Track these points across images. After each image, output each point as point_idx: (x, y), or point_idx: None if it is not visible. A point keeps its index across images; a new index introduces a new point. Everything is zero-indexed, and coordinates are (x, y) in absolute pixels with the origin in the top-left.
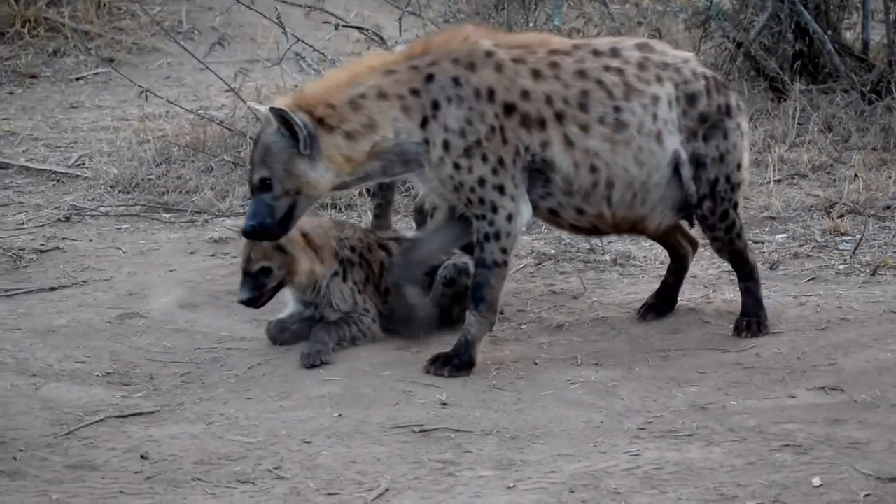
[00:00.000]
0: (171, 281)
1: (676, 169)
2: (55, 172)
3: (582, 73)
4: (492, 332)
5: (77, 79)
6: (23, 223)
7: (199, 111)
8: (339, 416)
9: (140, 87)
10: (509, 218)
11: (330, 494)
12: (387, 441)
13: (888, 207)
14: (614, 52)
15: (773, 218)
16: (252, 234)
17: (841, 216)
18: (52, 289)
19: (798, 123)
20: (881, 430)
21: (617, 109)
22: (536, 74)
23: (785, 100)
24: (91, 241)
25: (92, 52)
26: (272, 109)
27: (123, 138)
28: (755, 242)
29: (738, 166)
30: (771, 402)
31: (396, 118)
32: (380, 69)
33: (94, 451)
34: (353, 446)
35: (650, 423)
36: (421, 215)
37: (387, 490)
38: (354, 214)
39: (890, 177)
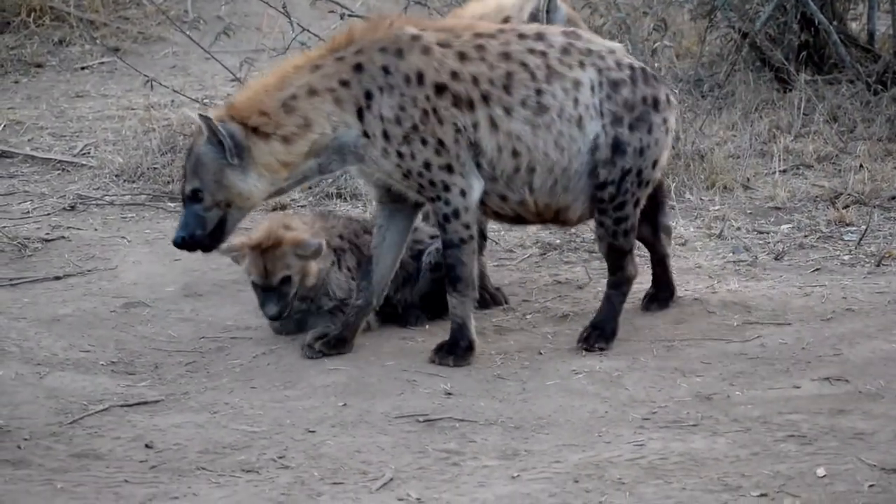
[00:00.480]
0: (176, 270)
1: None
2: (60, 161)
3: (507, 56)
4: (477, 308)
5: (82, 68)
6: (28, 212)
7: (205, 101)
8: (344, 405)
9: (145, 76)
10: (463, 194)
11: (334, 484)
12: (391, 430)
13: (893, 198)
14: (539, 37)
15: (778, 208)
16: (182, 245)
17: (846, 207)
18: (57, 278)
19: (803, 114)
20: (886, 420)
21: (539, 92)
22: (462, 56)
23: (790, 90)
24: (96, 230)
25: (97, 41)
26: (201, 117)
27: (129, 127)
28: (760, 233)
29: (654, 164)
30: (775, 392)
31: (331, 112)
32: (306, 66)
33: (99, 440)
34: (358, 436)
35: (655, 414)
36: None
37: (391, 479)
38: (360, 204)
39: (895, 167)
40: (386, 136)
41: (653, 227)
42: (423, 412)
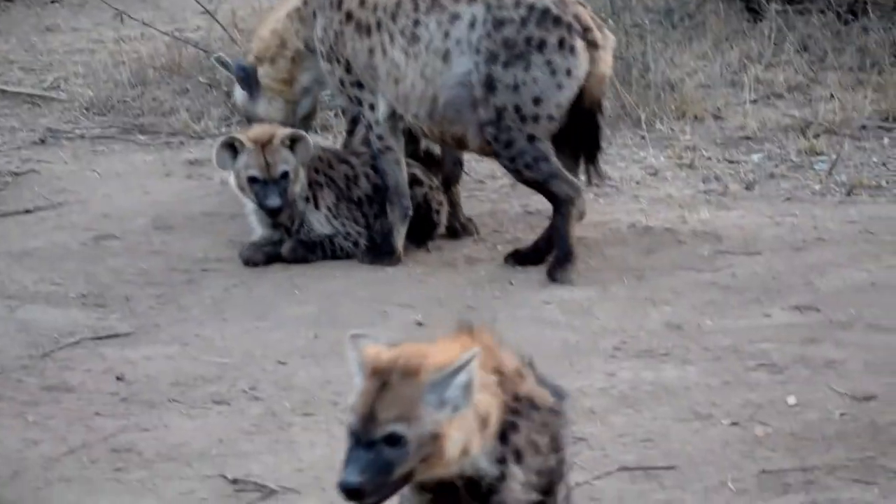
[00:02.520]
0: (146, 203)
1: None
2: (30, 95)
3: None
4: (407, 217)
5: (52, 1)
6: None
7: (175, 33)
8: (315, 336)
9: (116, 9)
10: (372, 108)
11: (305, 415)
12: None
13: (864, 127)
14: None
15: (748, 138)
16: None
17: (817, 136)
18: (28, 211)
19: (774, 44)
20: (856, 349)
21: (416, 23)
22: None
23: (761, 20)
24: (66, 163)
25: None
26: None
27: (99, 61)
28: (731, 163)
29: (536, 101)
30: (746, 321)
31: (298, 29)
32: None
33: (70, 373)
34: (329, 367)
35: (625, 343)
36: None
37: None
38: (330, 136)
39: (866, 97)
40: (321, 52)
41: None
42: (393, 342)
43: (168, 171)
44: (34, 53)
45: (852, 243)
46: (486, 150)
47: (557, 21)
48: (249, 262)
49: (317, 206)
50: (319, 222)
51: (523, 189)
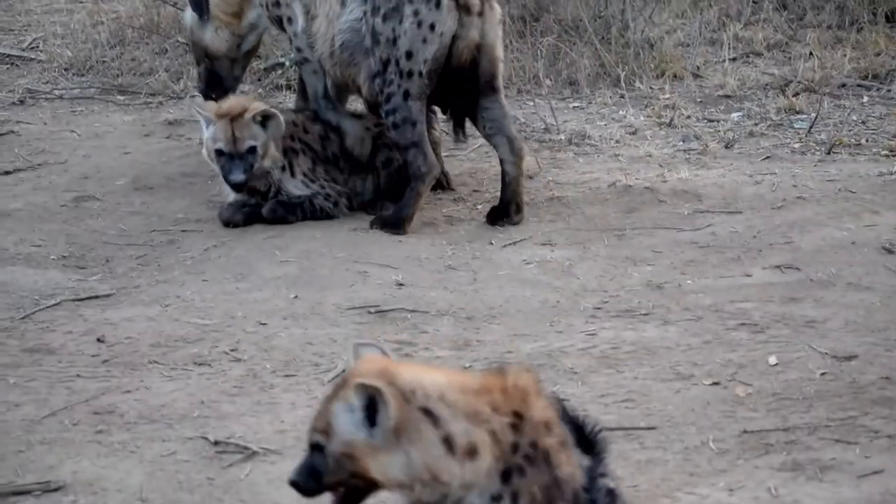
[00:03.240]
0: (125, 163)
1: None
2: (9, 56)
3: None
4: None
5: None
6: None
7: None
8: (295, 297)
9: None
10: (290, 20)
11: (286, 376)
12: (343, 322)
13: (843, 86)
14: None
15: (728, 97)
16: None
17: (796, 94)
18: (7, 172)
19: (753, 2)
20: (837, 308)
21: None
22: None
23: None
24: (45, 124)
25: None
26: None
27: (77, 21)
28: (710, 121)
29: (408, 55)
30: (727, 281)
31: None
32: None
33: (51, 335)
34: (310, 328)
35: (606, 303)
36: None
37: (343, 371)
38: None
39: (845, 55)
40: None
41: (492, 140)
42: (374, 303)
43: (147, 131)
44: (12, 14)
45: (832, 201)
46: (375, 99)
47: None
48: (229, 223)
49: (293, 174)
50: (297, 187)
51: None
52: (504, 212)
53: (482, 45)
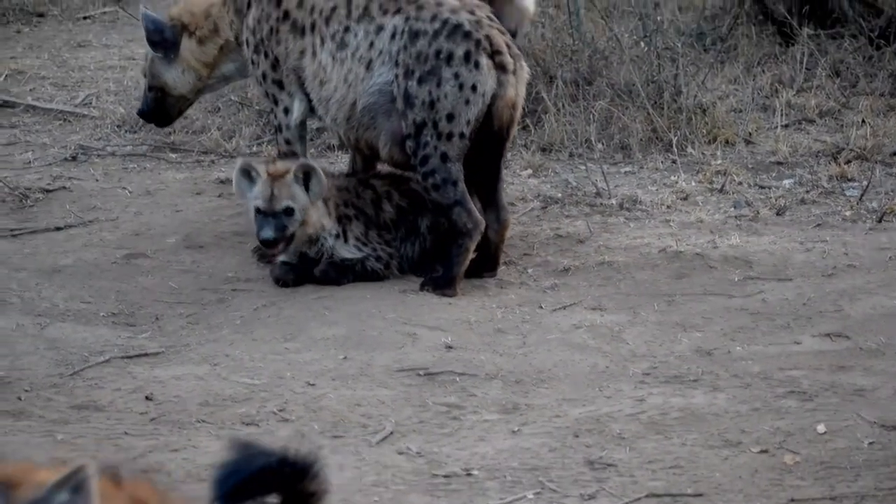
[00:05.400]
0: (177, 221)
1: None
2: (62, 111)
3: None
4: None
5: (84, 17)
6: (29, 162)
7: None
8: (344, 358)
9: None
10: (286, 111)
11: (335, 437)
12: (392, 384)
13: (895, 154)
14: None
15: (780, 163)
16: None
17: (848, 162)
18: (58, 228)
19: (806, 69)
20: (886, 377)
21: (346, 29)
22: None
23: (793, 45)
24: (97, 180)
25: None
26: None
27: (130, 78)
28: (762, 188)
29: (449, 117)
30: (776, 348)
31: (232, 21)
32: None
33: (99, 392)
34: (358, 389)
35: (655, 368)
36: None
37: (391, 433)
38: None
39: None
40: (248, 43)
41: (485, 204)
42: (423, 365)
43: (199, 189)
44: (66, 69)
45: (882, 270)
46: (396, 160)
47: (467, 36)
48: (280, 282)
49: (346, 241)
50: (349, 251)
51: (553, 212)
52: (478, 269)
53: (516, 104)
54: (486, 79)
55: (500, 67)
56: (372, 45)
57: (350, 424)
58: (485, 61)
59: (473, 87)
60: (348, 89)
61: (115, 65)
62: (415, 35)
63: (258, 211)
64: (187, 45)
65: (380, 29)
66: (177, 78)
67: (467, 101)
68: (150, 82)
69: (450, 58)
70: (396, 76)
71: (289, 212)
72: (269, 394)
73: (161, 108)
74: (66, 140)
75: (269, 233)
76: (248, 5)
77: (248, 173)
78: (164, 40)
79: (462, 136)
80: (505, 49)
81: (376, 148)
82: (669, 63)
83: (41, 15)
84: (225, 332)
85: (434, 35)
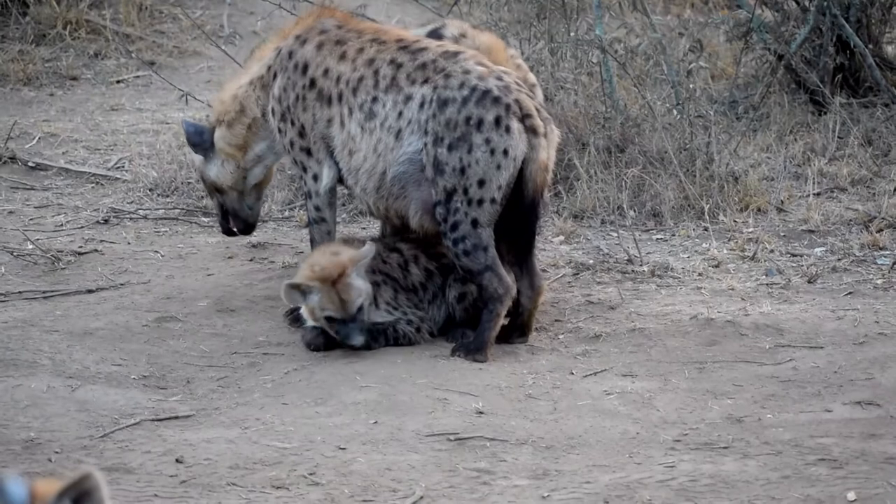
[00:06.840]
0: (208, 285)
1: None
2: (94, 174)
3: (372, 62)
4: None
5: (118, 81)
6: (61, 225)
7: None
8: (375, 422)
9: (181, 90)
10: (315, 178)
11: (365, 501)
12: (422, 448)
13: None
14: (418, 51)
15: (811, 231)
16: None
17: (880, 230)
18: (90, 291)
19: (838, 137)
20: None
21: (374, 100)
22: (342, 57)
23: (825, 113)
24: (129, 243)
25: (133, 54)
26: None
27: (163, 142)
28: (793, 256)
29: (480, 183)
30: (807, 415)
31: (259, 97)
32: (262, 54)
33: (130, 454)
34: (389, 453)
35: (686, 435)
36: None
37: (421, 498)
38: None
39: None
40: (273, 112)
41: (518, 270)
42: (453, 430)
43: (230, 253)
44: (99, 133)
45: None
46: (426, 229)
47: (496, 101)
48: (311, 346)
49: (377, 306)
50: (380, 316)
51: (585, 278)
52: (508, 334)
53: (548, 167)
54: (518, 143)
55: (531, 131)
56: (401, 114)
57: (380, 489)
58: (515, 125)
59: (505, 152)
60: (378, 159)
61: (148, 128)
62: (444, 103)
63: (332, 320)
64: (219, 134)
65: (408, 98)
66: (219, 171)
67: (499, 166)
68: (207, 189)
69: (480, 123)
70: (426, 144)
71: (361, 309)
72: (299, 457)
73: (230, 211)
74: (98, 203)
75: (359, 339)
76: (274, 77)
77: (298, 287)
78: (202, 142)
79: (493, 201)
80: (535, 112)
81: (406, 217)
82: (702, 131)
83: (75, 78)
84: (256, 396)
85: (463, 102)
